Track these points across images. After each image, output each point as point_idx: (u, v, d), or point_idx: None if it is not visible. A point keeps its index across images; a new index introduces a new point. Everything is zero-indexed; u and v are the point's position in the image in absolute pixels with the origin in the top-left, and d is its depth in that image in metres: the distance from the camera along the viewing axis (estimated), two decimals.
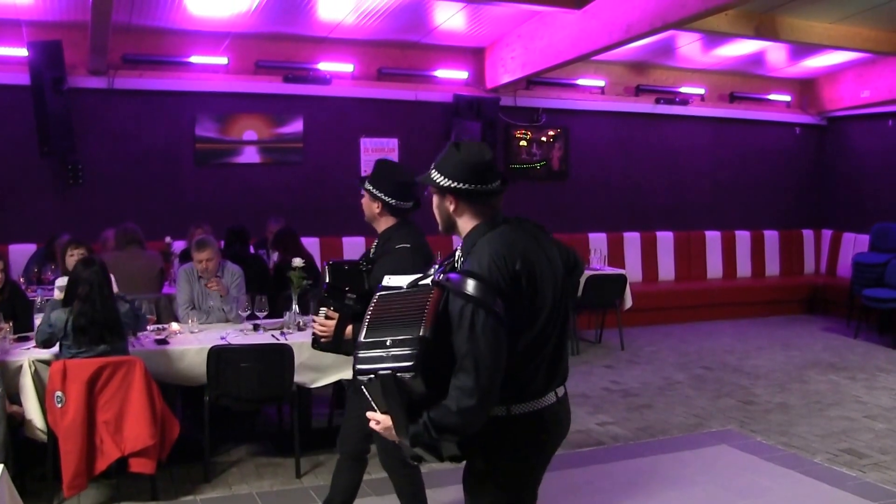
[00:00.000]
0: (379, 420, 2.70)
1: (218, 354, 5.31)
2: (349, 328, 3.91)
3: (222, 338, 5.68)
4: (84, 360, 4.82)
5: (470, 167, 2.82)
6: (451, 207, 2.88)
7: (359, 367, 2.58)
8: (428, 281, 2.78)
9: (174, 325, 5.96)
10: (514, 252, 2.71)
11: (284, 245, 7.64)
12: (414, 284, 2.81)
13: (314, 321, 4.07)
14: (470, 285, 2.59)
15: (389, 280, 2.87)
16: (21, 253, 8.70)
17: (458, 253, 2.88)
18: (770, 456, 5.97)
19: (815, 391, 7.89)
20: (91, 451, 4.83)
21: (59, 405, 4.77)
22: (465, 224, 2.88)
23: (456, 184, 2.82)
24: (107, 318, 4.97)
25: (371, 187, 4.05)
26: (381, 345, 2.56)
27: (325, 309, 3.99)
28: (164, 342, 5.58)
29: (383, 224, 4.10)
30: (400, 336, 2.55)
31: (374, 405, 2.70)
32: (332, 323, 3.95)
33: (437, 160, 2.91)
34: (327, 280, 4.01)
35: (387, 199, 4.02)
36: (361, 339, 2.61)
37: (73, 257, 6.44)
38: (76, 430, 4.75)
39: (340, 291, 3.94)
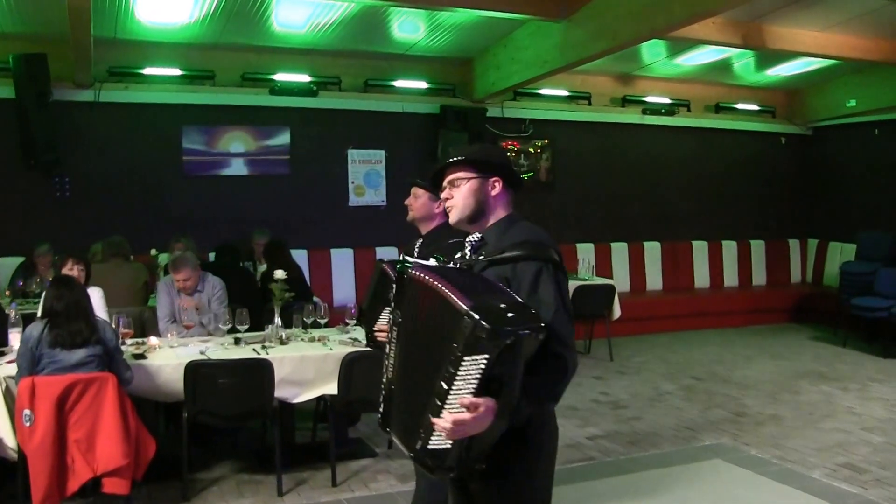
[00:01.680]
0: (479, 404, 2.19)
1: (195, 370, 5.00)
2: None
3: (202, 352, 5.37)
4: (54, 378, 4.51)
5: (504, 154, 2.84)
6: (494, 192, 2.72)
7: (495, 327, 2.11)
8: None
9: (153, 340, 5.65)
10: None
11: (273, 257, 7.38)
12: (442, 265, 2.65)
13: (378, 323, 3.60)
14: (555, 254, 2.54)
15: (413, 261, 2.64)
16: (9, 267, 8.43)
17: (468, 244, 2.75)
18: (765, 470, 5.67)
19: (808, 402, 7.61)
20: (62, 471, 4.52)
21: (28, 424, 4.46)
22: (497, 213, 2.73)
23: (504, 165, 2.75)
24: (79, 301, 4.76)
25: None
26: (500, 309, 2.20)
27: (388, 309, 3.49)
28: (141, 357, 5.27)
29: (435, 223, 4.03)
30: (508, 300, 2.27)
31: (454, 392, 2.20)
32: None
33: (466, 150, 2.81)
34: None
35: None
36: (467, 307, 2.15)
37: (72, 271, 6.05)
38: (46, 450, 4.44)
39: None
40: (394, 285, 2.58)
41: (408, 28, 9.09)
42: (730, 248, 12.71)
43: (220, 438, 6.28)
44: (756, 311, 12.10)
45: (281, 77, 9.79)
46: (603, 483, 5.49)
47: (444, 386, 2.20)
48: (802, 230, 13.24)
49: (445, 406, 2.21)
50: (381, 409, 2.63)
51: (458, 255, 2.73)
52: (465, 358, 2.16)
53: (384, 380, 2.61)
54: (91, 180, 9.20)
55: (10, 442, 4.65)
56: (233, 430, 6.35)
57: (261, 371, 5.10)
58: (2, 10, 7.81)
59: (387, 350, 2.59)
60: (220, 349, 5.53)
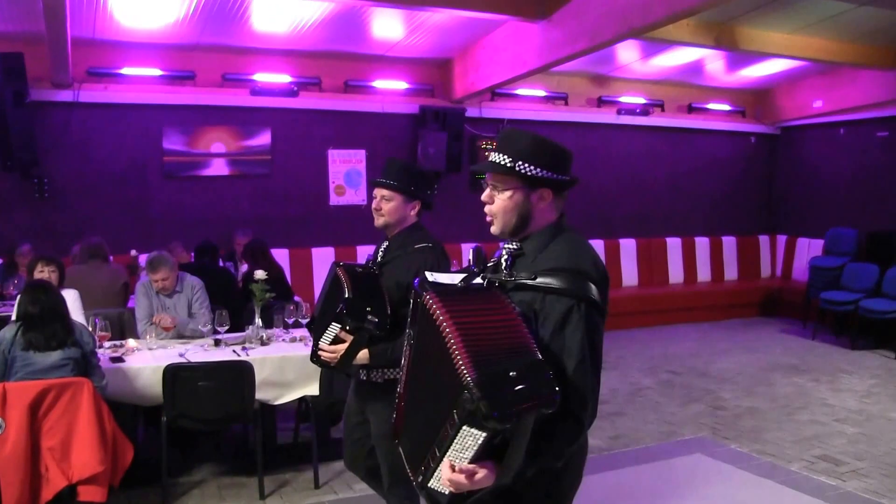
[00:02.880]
0: (475, 471, 1.96)
1: (174, 373, 4.73)
2: (364, 353, 3.37)
3: (181, 354, 5.10)
4: (26, 383, 4.23)
5: (560, 154, 2.31)
6: (542, 203, 2.32)
7: (497, 410, 1.83)
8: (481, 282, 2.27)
9: (131, 342, 5.37)
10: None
11: (254, 257, 7.11)
12: (467, 284, 2.25)
13: (321, 342, 3.44)
14: (593, 289, 2.17)
15: (435, 277, 2.25)
16: None
17: (505, 253, 2.36)
18: (746, 465, 5.49)
19: (782, 395, 7.45)
20: (36, 480, 4.23)
21: None
22: (543, 220, 2.35)
23: (556, 175, 2.30)
24: (55, 305, 4.51)
25: (413, 188, 3.57)
26: (507, 381, 1.87)
27: (336, 326, 3.33)
28: (119, 360, 5.00)
29: (404, 225, 3.61)
30: (521, 363, 1.91)
31: (458, 452, 1.95)
32: (342, 347, 3.36)
33: (507, 145, 2.29)
34: (347, 293, 3.27)
35: (426, 199, 3.64)
36: (471, 379, 1.84)
37: (43, 273, 5.75)
38: (18, 459, 4.15)
39: (361, 310, 3.27)
40: (410, 301, 2.22)
41: (387, 29, 8.83)
42: (703, 244, 12.58)
43: (200, 441, 5.99)
44: (728, 305, 11.97)
45: (261, 77, 9.50)
46: (586, 480, 5.26)
47: (445, 443, 1.95)
48: (772, 226, 13.14)
49: (445, 458, 1.97)
50: (393, 421, 2.36)
51: (492, 265, 2.38)
52: (464, 427, 1.90)
53: (398, 391, 2.32)
54: (70, 181, 8.86)
55: None
56: (214, 432, 6.07)
57: (241, 373, 4.83)
58: None
59: (402, 361, 2.30)
60: (201, 351, 5.26)
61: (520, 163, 2.26)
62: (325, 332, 3.39)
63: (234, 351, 5.23)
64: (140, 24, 8.20)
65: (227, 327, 5.46)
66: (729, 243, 12.79)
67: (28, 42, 8.04)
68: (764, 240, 13.10)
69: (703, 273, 12.56)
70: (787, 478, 5.25)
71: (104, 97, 8.89)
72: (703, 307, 11.77)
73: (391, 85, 10.27)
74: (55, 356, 4.42)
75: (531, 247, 2.32)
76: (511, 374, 1.88)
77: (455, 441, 1.93)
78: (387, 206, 3.56)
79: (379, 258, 3.60)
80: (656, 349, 9.65)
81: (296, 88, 9.65)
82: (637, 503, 4.91)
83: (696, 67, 10.81)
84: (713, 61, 10.46)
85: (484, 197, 2.36)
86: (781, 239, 12.98)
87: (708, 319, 11.60)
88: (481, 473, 1.96)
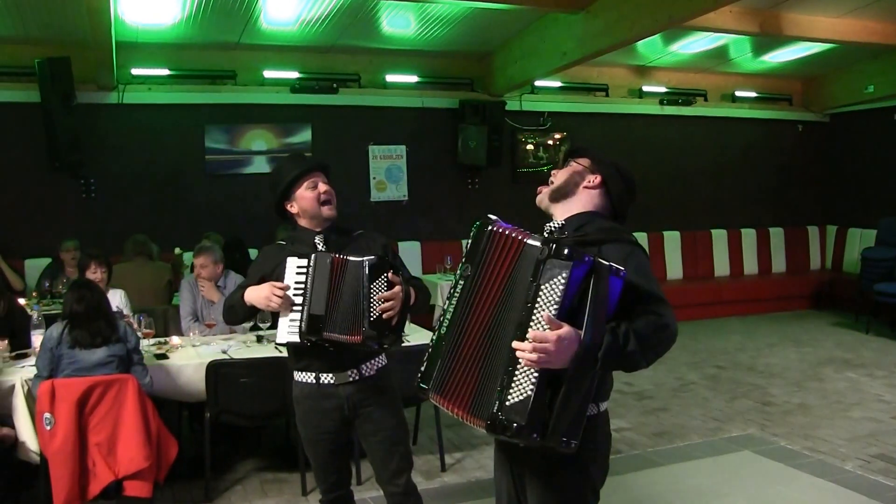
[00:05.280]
0: (561, 324, 2.09)
1: (216, 370, 4.78)
2: (409, 288, 3.28)
3: (224, 351, 5.15)
4: (74, 380, 4.31)
5: (625, 173, 2.69)
6: (590, 185, 2.61)
7: (570, 248, 2.11)
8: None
9: (175, 339, 5.44)
10: None
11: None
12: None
13: (375, 300, 3.16)
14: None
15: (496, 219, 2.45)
16: (37, 268, 8.33)
17: (547, 228, 2.58)
18: (797, 463, 5.37)
19: (835, 390, 7.29)
20: (83, 474, 4.31)
21: (49, 427, 4.26)
22: (584, 205, 2.59)
23: (616, 179, 2.64)
24: (100, 302, 4.59)
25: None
26: (573, 244, 2.17)
27: (387, 275, 3.18)
28: (163, 357, 5.07)
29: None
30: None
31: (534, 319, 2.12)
32: (399, 289, 3.18)
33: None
34: (360, 258, 3.18)
35: None
36: (543, 240, 2.18)
37: (95, 274, 5.87)
38: (66, 454, 4.23)
39: (382, 258, 3.24)
40: (469, 239, 2.39)
41: (427, 22, 8.82)
42: (749, 236, 12.39)
43: (244, 436, 6.05)
44: (776, 298, 11.78)
45: (300, 74, 9.57)
46: (630, 477, 5.22)
47: (523, 321, 2.12)
48: (821, 217, 12.89)
49: (526, 338, 2.10)
50: (423, 367, 2.39)
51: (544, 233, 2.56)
52: (543, 285, 2.10)
53: (433, 336, 2.38)
54: (116, 181, 9.04)
55: (33, 445, 4.45)
56: (256, 428, 6.12)
57: (282, 369, 4.85)
58: (26, 15, 7.64)
59: (444, 305, 2.37)
60: (243, 348, 5.31)
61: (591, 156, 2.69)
62: (368, 300, 3.14)
63: (276, 347, 5.26)
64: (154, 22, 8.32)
65: (268, 324, 5.50)
66: (776, 235, 12.58)
67: (73, 46, 8.18)
68: (813, 230, 12.86)
69: (750, 265, 12.37)
70: (840, 477, 5.10)
71: (148, 98, 9.06)
72: (750, 300, 11.61)
73: (430, 80, 10.27)
74: (100, 353, 4.49)
75: (572, 225, 2.50)
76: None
77: (536, 306, 2.11)
78: (333, 191, 3.48)
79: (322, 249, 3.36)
80: (703, 343, 9.52)
81: (335, 85, 9.69)
82: (682, 501, 4.83)
83: (739, 55, 10.66)
84: (757, 48, 10.29)
85: (553, 174, 2.66)
86: (831, 230, 12.73)
87: (755, 313, 11.42)
88: (565, 327, 2.08)
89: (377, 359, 3.35)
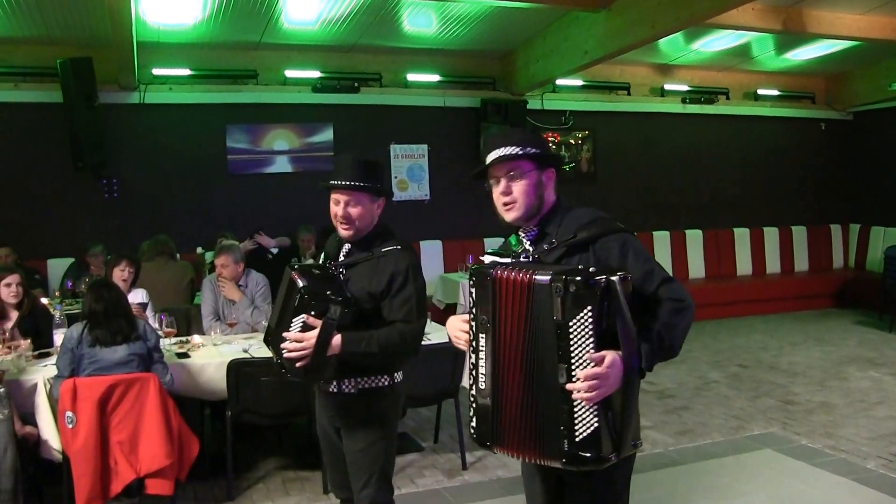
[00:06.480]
0: (603, 355, 2.14)
1: (237, 368, 4.78)
2: (337, 338, 2.92)
3: (245, 350, 5.16)
4: (95, 379, 4.32)
5: (544, 139, 2.61)
6: (551, 183, 2.56)
7: (584, 277, 2.14)
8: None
9: (196, 338, 5.45)
10: None
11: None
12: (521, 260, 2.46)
13: (286, 338, 2.96)
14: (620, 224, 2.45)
15: (490, 258, 2.48)
16: (59, 267, 8.38)
17: (525, 236, 2.56)
18: (818, 461, 5.31)
19: (858, 389, 7.20)
20: (105, 472, 4.32)
21: (71, 426, 4.28)
22: (549, 201, 2.56)
23: (551, 155, 2.69)
24: (118, 301, 4.62)
25: (377, 185, 3.15)
26: (582, 270, 2.21)
27: (304, 316, 2.93)
28: (184, 356, 5.08)
29: (370, 228, 3.21)
30: (586, 267, 2.25)
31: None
32: (313, 335, 2.89)
33: (505, 139, 2.51)
34: (301, 283, 2.95)
35: (390, 192, 3.32)
36: (552, 275, 2.19)
37: (124, 272, 5.92)
38: (89, 452, 4.24)
39: (321, 292, 2.94)
40: (471, 289, 2.37)
41: (448, 21, 8.80)
42: (771, 235, 12.29)
43: (266, 434, 6.07)
44: (799, 297, 11.66)
45: (322, 74, 9.58)
46: (652, 475, 5.18)
47: (563, 362, 2.15)
48: (844, 215, 12.76)
49: (573, 379, 2.15)
50: (475, 425, 2.41)
51: (521, 250, 2.52)
52: (571, 323, 2.13)
53: (473, 392, 2.40)
54: (138, 180, 9.10)
55: (55, 444, 4.47)
56: (277, 427, 6.13)
57: None
58: (48, 15, 7.69)
59: (471, 359, 2.38)
60: (264, 347, 5.28)
61: (528, 148, 2.48)
62: (287, 329, 2.98)
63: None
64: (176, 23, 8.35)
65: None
66: (799, 233, 12.47)
67: (95, 46, 8.23)
68: (836, 229, 12.74)
69: (773, 264, 12.27)
70: (863, 475, 5.04)
71: (169, 98, 9.10)
72: (773, 299, 11.51)
73: (452, 79, 10.26)
74: (121, 352, 4.50)
75: (551, 226, 2.51)
76: (580, 267, 2.25)
77: (571, 347, 2.13)
78: (355, 211, 3.12)
79: (341, 259, 3.22)
80: (725, 342, 9.45)
81: (357, 84, 9.70)
82: (704, 500, 4.79)
83: (761, 53, 10.56)
84: (780, 46, 10.19)
85: (502, 189, 2.50)
86: (854, 228, 12.61)
87: (778, 311, 11.32)
88: (609, 356, 2.13)
89: (364, 379, 3.11)
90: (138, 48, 7.85)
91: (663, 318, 2.29)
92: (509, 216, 2.52)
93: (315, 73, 9.59)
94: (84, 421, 4.25)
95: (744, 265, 12.09)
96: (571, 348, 2.14)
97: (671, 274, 2.39)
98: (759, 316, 11.09)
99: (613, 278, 2.13)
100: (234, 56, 9.26)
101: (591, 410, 2.15)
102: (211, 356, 5.09)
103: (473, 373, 2.38)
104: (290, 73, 9.52)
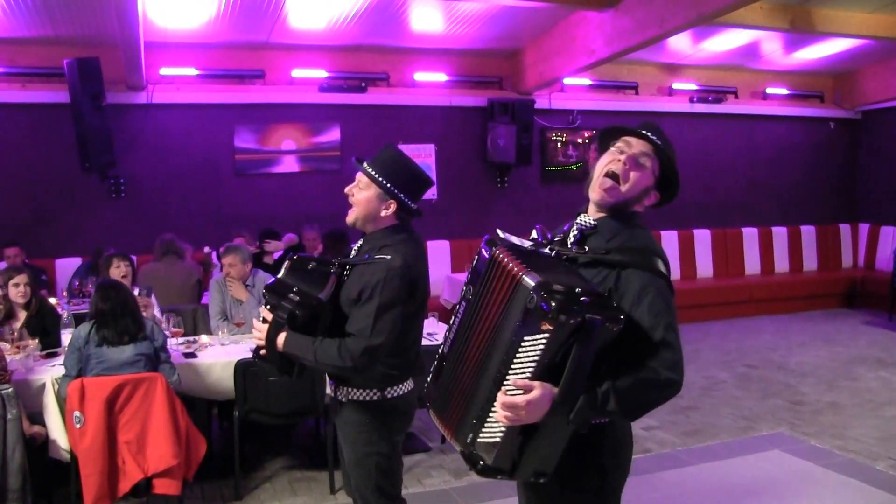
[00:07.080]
0: (533, 387, 1.96)
1: (244, 368, 4.80)
2: (281, 337, 2.90)
3: (252, 350, 5.15)
4: (103, 379, 4.34)
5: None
6: (650, 202, 2.40)
7: (560, 304, 1.90)
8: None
9: (203, 338, 5.47)
10: None
11: (334, 247, 7.12)
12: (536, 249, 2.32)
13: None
14: (663, 266, 2.20)
15: (506, 235, 2.30)
16: (67, 267, 8.41)
17: (575, 228, 2.39)
18: (827, 462, 5.30)
19: (867, 389, 7.18)
20: (113, 472, 4.34)
21: (79, 425, 4.29)
22: (634, 207, 2.37)
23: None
24: (126, 301, 4.60)
25: (385, 181, 3.01)
26: (571, 290, 1.96)
27: (264, 308, 3.01)
28: (192, 355, 5.09)
29: (378, 225, 3.07)
30: (589, 289, 2.02)
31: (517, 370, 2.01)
32: (265, 328, 2.94)
33: (668, 143, 2.37)
34: (279, 274, 3.03)
35: (404, 203, 3.03)
36: (537, 282, 1.97)
37: (119, 269, 5.99)
38: (96, 452, 4.26)
39: (285, 289, 2.94)
40: (476, 254, 2.29)
41: (455, 21, 8.80)
42: (780, 235, 12.23)
43: (273, 435, 6.08)
44: (808, 296, 11.60)
45: (330, 74, 9.58)
46: (659, 476, 5.17)
47: (502, 369, 2.03)
48: (853, 214, 12.71)
49: (501, 389, 2.02)
50: (427, 382, 2.42)
51: (559, 239, 2.37)
52: (526, 338, 1.98)
53: (439, 352, 2.39)
54: (145, 180, 9.11)
55: (63, 443, 4.49)
56: (285, 427, 6.14)
57: (312, 369, 4.86)
58: (55, 15, 7.71)
59: (450, 322, 2.35)
60: None
61: (670, 158, 2.31)
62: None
63: None
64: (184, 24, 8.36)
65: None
66: (808, 233, 12.41)
67: (103, 46, 8.24)
68: (845, 228, 12.68)
69: (781, 264, 12.21)
70: (871, 476, 5.04)
71: (177, 98, 9.10)
72: (781, 299, 11.45)
73: (459, 78, 10.25)
74: (128, 352, 4.51)
75: (607, 226, 2.31)
76: (577, 290, 1.97)
77: (515, 361, 1.99)
78: (358, 196, 3.07)
79: (352, 255, 3.12)
80: (732, 342, 9.43)
81: (364, 84, 9.70)
82: (712, 501, 4.78)
83: (769, 52, 10.53)
84: (788, 45, 10.16)
85: (624, 162, 2.33)
86: (864, 227, 12.54)
87: (786, 311, 11.27)
88: (537, 391, 1.95)
89: (351, 390, 3.03)
90: (145, 48, 7.86)
91: (626, 385, 2.05)
92: (599, 194, 2.33)
93: (322, 73, 9.59)
94: (92, 420, 4.26)
95: (752, 265, 12.03)
96: (514, 362, 2.01)
97: (677, 334, 2.15)
98: (768, 316, 11.05)
99: (597, 317, 1.93)
100: (242, 56, 9.26)
101: (501, 424, 2.04)
102: (218, 356, 5.10)
103: (447, 334, 2.36)
104: (298, 73, 9.52)
